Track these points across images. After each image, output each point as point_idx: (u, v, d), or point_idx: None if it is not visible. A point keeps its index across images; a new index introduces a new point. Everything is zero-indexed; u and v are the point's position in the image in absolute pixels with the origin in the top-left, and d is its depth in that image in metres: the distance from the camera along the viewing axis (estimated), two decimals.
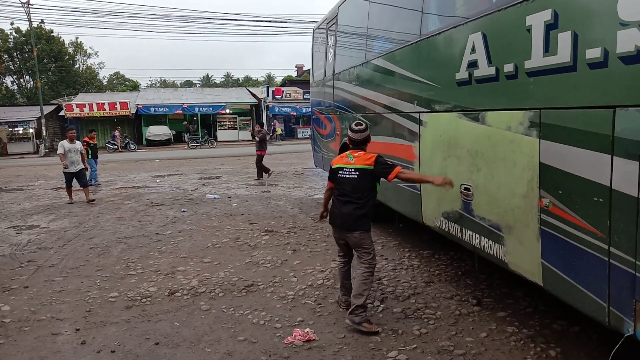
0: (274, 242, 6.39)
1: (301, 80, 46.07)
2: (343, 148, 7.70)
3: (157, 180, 14.17)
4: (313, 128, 10.32)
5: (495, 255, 3.49)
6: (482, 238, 3.65)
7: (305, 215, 8.13)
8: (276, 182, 12.77)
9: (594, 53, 2.37)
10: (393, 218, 6.95)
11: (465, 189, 3.82)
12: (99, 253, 6.25)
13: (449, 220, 4.16)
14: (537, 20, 2.80)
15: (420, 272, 4.94)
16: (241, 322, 3.96)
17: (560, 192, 2.73)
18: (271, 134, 35.61)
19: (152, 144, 32.72)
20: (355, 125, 3.97)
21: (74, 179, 10.65)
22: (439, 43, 4.22)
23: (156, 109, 34.58)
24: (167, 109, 34.67)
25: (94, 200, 10.62)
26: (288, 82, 46.14)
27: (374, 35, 6.21)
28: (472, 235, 3.81)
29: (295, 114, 35.94)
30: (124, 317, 4.18)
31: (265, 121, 35.94)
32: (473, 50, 3.56)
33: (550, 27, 2.69)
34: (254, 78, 70.42)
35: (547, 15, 2.71)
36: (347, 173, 3.86)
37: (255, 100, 37.36)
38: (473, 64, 3.57)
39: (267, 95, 35.84)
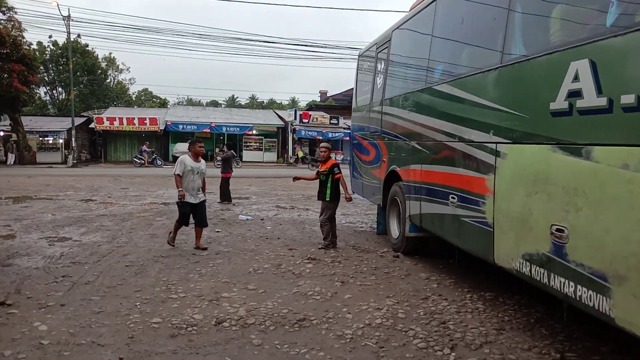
0: (318, 272, 6.03)
1: (326, 105, 46.24)
2: (390, 177, 7.39)
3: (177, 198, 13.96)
4: (353, 154, 10.04)
5: (596, 307, 3.08)
6: (579, 287, 3.25)
7: (345, 244, 7.77)
8: (308, 207, 12.46)
9: None
10: (443, 252, 6.59)
11: (558, 230, 3.44)
12: (135, 272, 5.97)
13: (532, 263, 3.77)
14: None
15: (488, 317, 4.52)
16: None
17: None
18: (296, 157, 35.58)
19: None
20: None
21: (192, 214, 7.28)
22: (527, 70, 3.90)
23: (184, 126, 34.91)
24: (195, 127, 34.96)
25: (205, 248, 7.20)
26: (314, 106, 46.31)
27: (437, 61, 5.93)
28: (563, 283, 3.41)
29: (320, 138, 35.80)
30: (170, 347, 3.85)
31: (290, 144, 36.01)
32: (576, 78, 3.23)
33: None
34: (278, 101, 71.00)
35: None
36: None
37: (282, 123, 37.46)
38: (575, 94, 3.24)
39: (295, 118, 35.92)
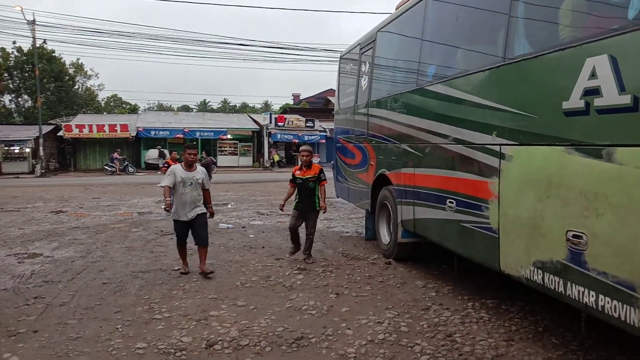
0: (310, 283, 5.74)
1: (299, 108, 45.99)
2: (379, 181, 7.16)
3: (163, 206, 13.48)
4: (337, 157, 9.78)
5: (622, 319, 2.89)
6: (601, 297, 3.05)
7: (333, 251, 7.50)
8: (289, 212, 12.11)
9: None
10: (435, 258, 6.41)
11: (575, 236, 3.24)
12: (114, 290, 5.56)
13: (546, 271, 3.56)
14: None
15: (495, 327, 4.31)
16: None
17: None
18: (272, 161, 35.17)
19: (151, 167, 32.00)
20: None
21: (189, 231, 6.24)
22: (534, 68, 3.70)
23: (156, 132, 34.13)
24: (167, 132, 34.23)
25: (211, 272, 6.10)
26: (288, 109, 46.02)
27: (430, 60, 5.72)
28: (583, 292, 3.20)
29: (297, 141, 35.51)
30: None
31: (266, 148, 35.57)
32: (593, 75, 3.03)
33: None
34: (251, 105, 70.25)
35: None
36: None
37: (257, 127, 37.01)
38: (593, 92, 3.04)
39: (270, 122, 35.53)
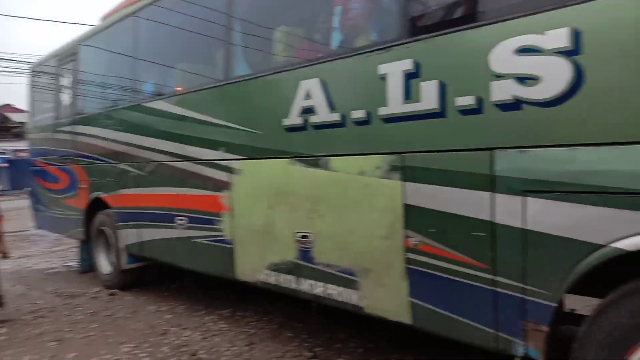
0: (20, 336, 4.75)
1: None
2: (94, 205, 6.52)
3: None
4: (35, 183, 8.42)
5: (347, 301, 3.43)
6: (329, 285, 3.55)
7: (41, 293, 6.40)
8: None
9: (466, 101, 2.63)
10: (160, 279, 6.29)
11: (303, 236, 3.68)
12: None
13: (280, 272, 3.91)
14: (394, 69, 2.96)
15: (236, 335, 4.46)
16: None
17: (432, 230, 2.88)
18: None
19: None
20: None
21: None
22: (256, 88, 4.03)
23: None
24: None
25: None
26: None
27: (148, 76, 5.54)
28: (313, 285, 3.66)
29: None
30: None
31: None
32: (308, 96, 3.52)
33: (412, 76, 2.87)
34: None
35: (407, 65, 2.89)
36: None
37: None
38: (309, 110, 3.52)
39: None
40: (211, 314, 5.10)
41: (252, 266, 4.20)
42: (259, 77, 4.01)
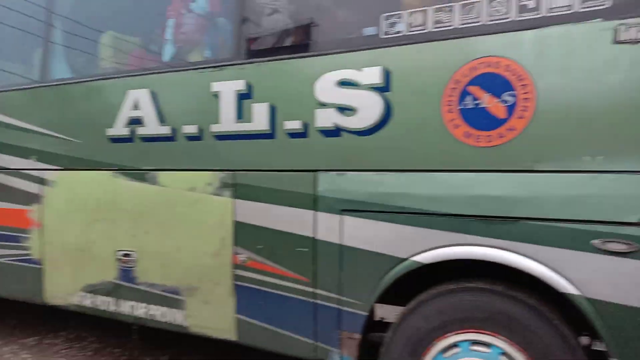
0: None
1: None
2: None
3: None
4: None
5: (171, 321, 3.32)
6: (151, 306, 3.39)
7: None
8: None
9: (293, 125, 2.80)
10: None
11: (125, 254, 3.47)
12: None
13: (97, 294, 3.61)
14: (227, 88, 3.01)
15: None
16: None
17: (260, 247, 2.96)
18: None
19: None
20: None
21: None
22: (77, 93, 3.69)
23: None
24: None
25: None
26: None
27: None
28: (135, 306, 3.46)
29: None
30: None
31: None
32: (136, 107, 3.36)
33: (244, 97, 2.96)
34: None
35: (240, 85, 2.97)
36: None
37: None
38: (137, 121, 3.37)
39: None
40: (12, 345, 4.45)
41: (64, 288, 3.80)
42: (81, 82, 3.71)
